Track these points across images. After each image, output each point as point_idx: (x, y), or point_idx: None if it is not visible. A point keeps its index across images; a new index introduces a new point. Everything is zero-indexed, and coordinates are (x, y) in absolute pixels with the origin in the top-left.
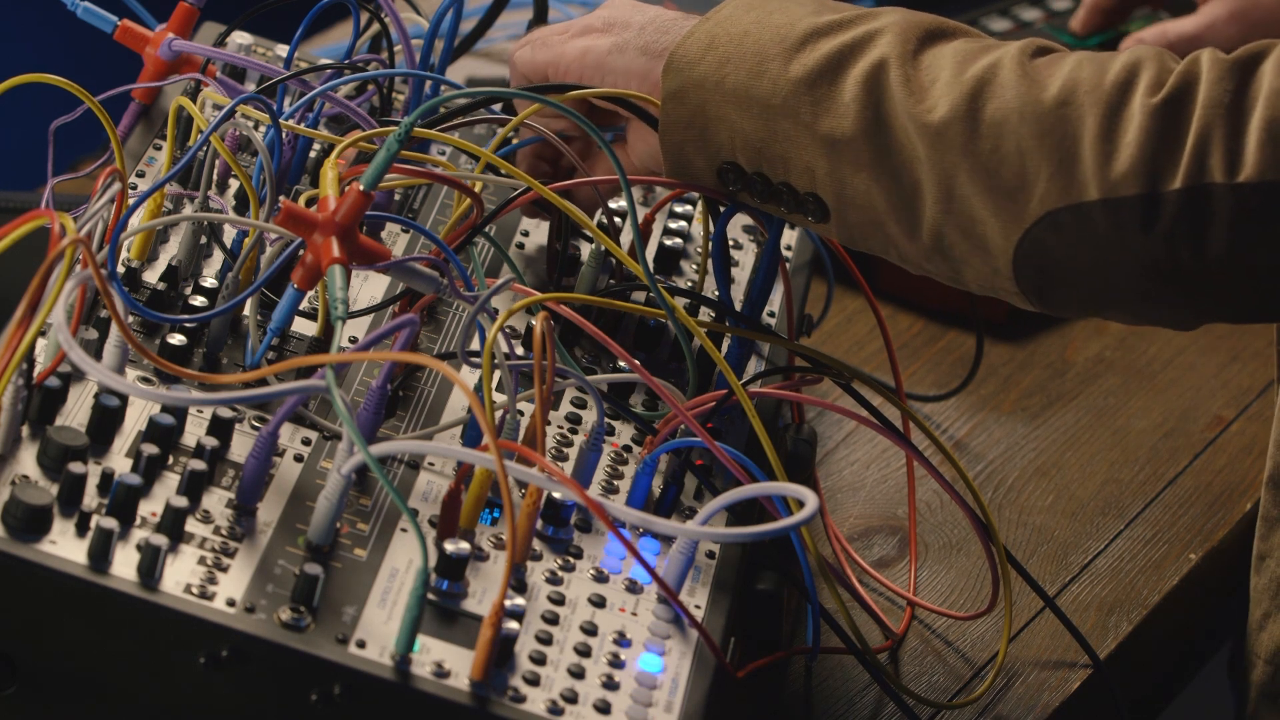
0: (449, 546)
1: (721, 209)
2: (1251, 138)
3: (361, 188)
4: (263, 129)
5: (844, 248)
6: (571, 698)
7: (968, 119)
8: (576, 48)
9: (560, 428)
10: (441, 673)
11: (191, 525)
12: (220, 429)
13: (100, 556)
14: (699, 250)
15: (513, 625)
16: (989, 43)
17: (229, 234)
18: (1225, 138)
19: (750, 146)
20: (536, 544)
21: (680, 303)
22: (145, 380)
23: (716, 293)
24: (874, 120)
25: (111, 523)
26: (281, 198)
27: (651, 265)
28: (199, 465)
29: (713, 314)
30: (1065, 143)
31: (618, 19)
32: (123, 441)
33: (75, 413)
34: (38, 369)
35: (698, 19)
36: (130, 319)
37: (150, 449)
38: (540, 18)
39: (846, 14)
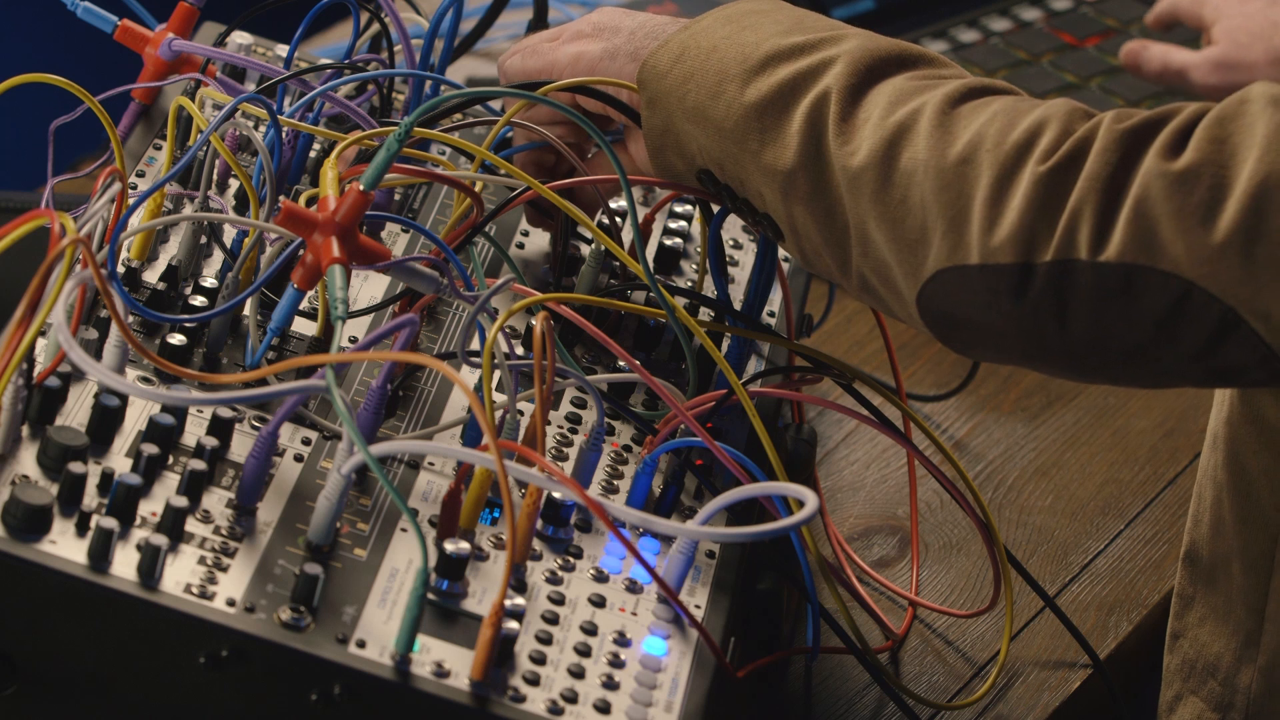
0: (449, 546)
1: (715, 209)
2: (1121, 216)
3: (361, 188)
4: (263, 129)
5: None
6: (571, 697)
7: (882, 166)
8: (568, 54)
9: (560, 428)
10: (441, 672)
11: (191, 525)
12: (220, 429)
13: (100, 556)
14: (699, 250)
15: (513, 625)
16: (931, 79)
17: (229, 234)
18: (1095, 214)
19: (714, 161)
20: (536, 544)
21: (680, 302)
22: (145, 380)
23: (716, 292)
24: (814, 156)
25: (111, 522)
26: (281, 198)
27: (651, 265)
28: (199, 465)
29: (713, 314)
30: (960, 202)
31: (607, 24)
32: (123, 441)
33: (75, 413)
34: (38, 369)
35: (681, 23)
36: (130, 319)
37: (150, 449)
38: (540, 18)
39: (812, 36)
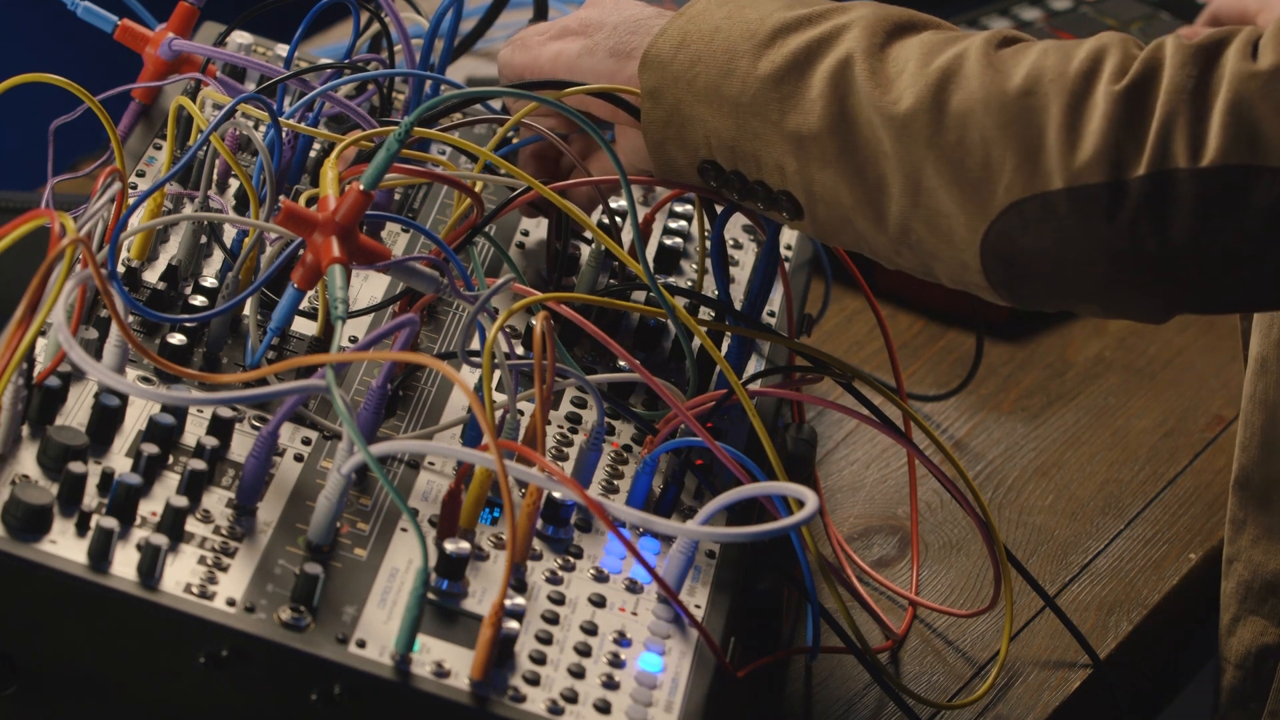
0: (449, 546)
1: (719, 208)
2: (1214, 122)
3: (361, 187)
4: (263, 129)
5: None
6: (571, 697)
7: (933, 110)
8: (550, 52)
9: (560, 428)
10: (441, 672)
11: (191, 525)
12: (220, 429)
13: (100, 556)
14: (699, 250)
15: (513, 625)
16: (956, 34)
17: (229, 234)
18: (1189, 123)
19: (725, 145)
20: (536, 544)
21: (680, 302)
22: (145, 380)
23: (716, 292)
24: (839, 115)
25: (111, 522)
26: (282, 197)
27: (651, 265)
28: (199, 465)
29: (713, 313)
30: (1030, 132)
31: (593, 19)
32: (123, 441)
33: (75, 412)
34: (38, 369)
35: (671, 14)
36: (130, 319)
37: (150, 449)
38: (540, 17)
39: (816, 8)
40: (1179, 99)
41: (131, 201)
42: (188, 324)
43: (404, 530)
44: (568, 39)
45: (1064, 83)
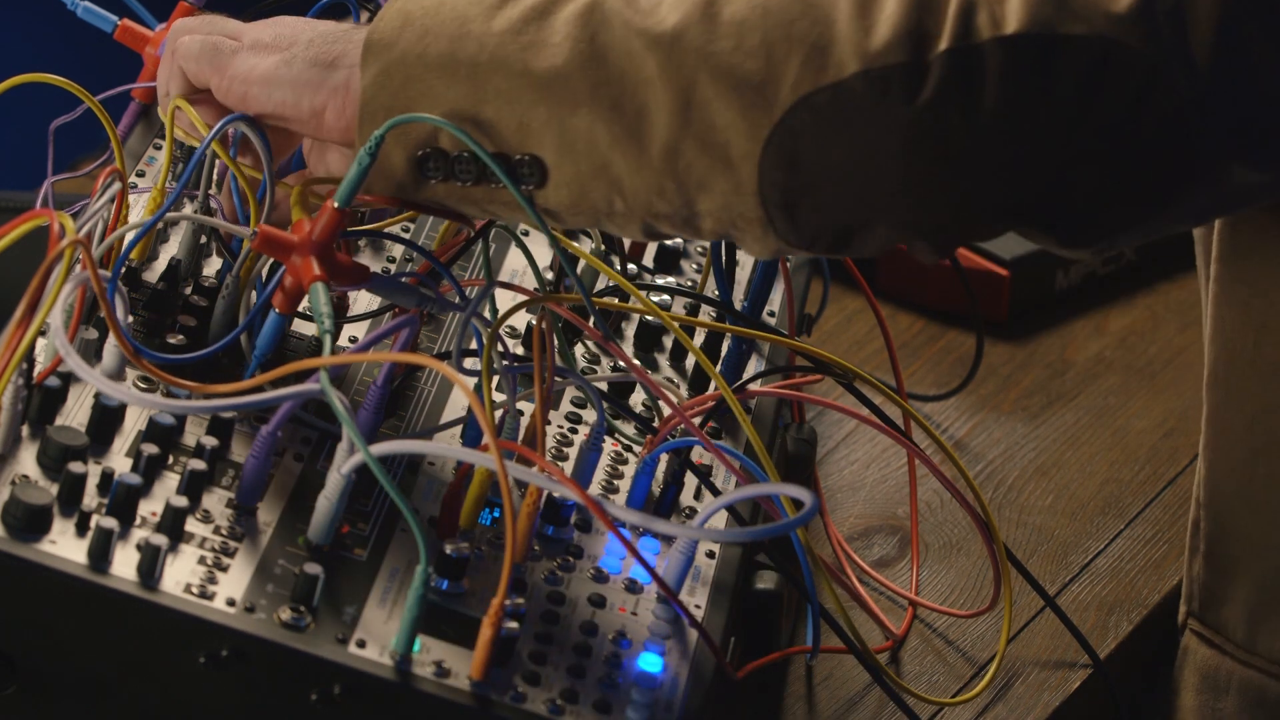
0: (449, 546)
1: None
2: None
3: (335, 204)
4: None
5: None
6: (571, 697)
7: (704, 21)
8: (242, 67)
9: (560, 428)
10: (442, 672)
11: (191, 525)
12: (220, 429)
13: (100, 556)
14: (699, 250)
15: (513, 625)
16: None
17: None
18: None
19: (463, 116)
20: (536, 544)
21: (680, 303)
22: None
23: (716, 292)
24: (590, 52)
25: (111, 522)
26: (261, 224)
27: (652, 265)
28: (199, 465)
29: (713, 313)
30: (817, 26)
31: (286, 35)
32: (123, 441)
33: (75, 412)
34: (38, 369)
35: (368, 26)
36: (130, 320)
37: (150, 449)
38: None
39: None
40: None
41: (148, 219)
42: (182, 362)
43: (404, 530)
44: (260, 54)
45: None
